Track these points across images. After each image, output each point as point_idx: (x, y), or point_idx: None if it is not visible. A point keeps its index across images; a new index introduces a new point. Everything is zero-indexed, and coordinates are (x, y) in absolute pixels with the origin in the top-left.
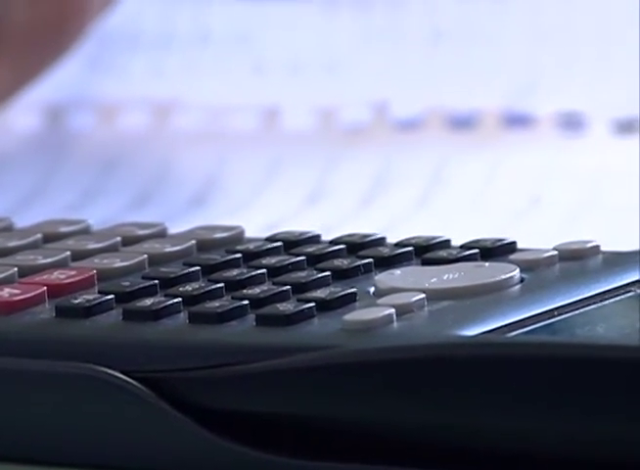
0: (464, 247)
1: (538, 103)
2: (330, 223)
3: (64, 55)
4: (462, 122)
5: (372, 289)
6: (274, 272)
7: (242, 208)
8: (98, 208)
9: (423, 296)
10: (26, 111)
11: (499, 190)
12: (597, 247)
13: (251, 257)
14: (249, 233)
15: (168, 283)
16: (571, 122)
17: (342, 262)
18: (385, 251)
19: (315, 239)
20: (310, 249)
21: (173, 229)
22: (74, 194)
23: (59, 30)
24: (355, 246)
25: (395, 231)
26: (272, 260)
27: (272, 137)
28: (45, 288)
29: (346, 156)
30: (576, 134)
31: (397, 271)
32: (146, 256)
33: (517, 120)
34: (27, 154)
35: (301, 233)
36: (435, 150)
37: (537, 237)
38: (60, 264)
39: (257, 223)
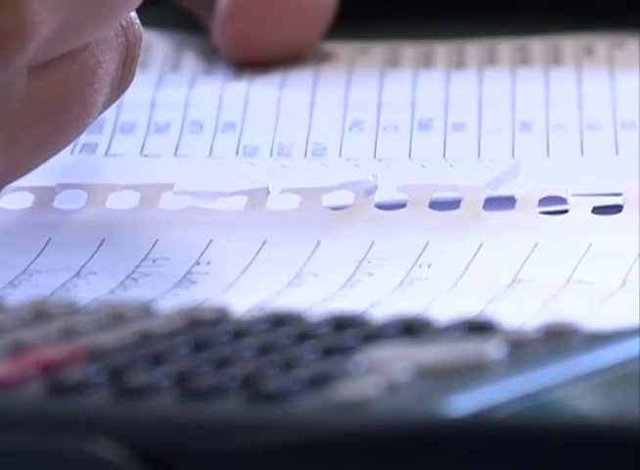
0: (449, 323)
1: (520, 185)
2: (315, 303)
3: (62, 144)
4: (444, 204)
5: (360, 364)
6: (263, 349)
7: (228, 287)
8: (87, 286)
9: (410, 371)
10: (17, 190)
11: (482, 270)
12: (580, 325)
13: (239, 334)
14: (235, 312)
15: (158, 360)
16: (553, 203)
17: (330, 338)
18: (372, 326)
19: (302, 316)
20: (298, 325)
21: (162, 307)
22: (64, 272)
23: (59, 117)
24: (343, 322)
25: (380, 310)
26: (261, 337)
27: (258, 219)
28: (36, 365)
29: (331, 237)
30: (558, 214)
31: (385, 347)
32: (135, 333)
33: (498, 202)
34: (17, 233)
35: (289, 310)
36: (418, 231)
37: (521, 316)
38: (50, 342)
39: (244, 303)
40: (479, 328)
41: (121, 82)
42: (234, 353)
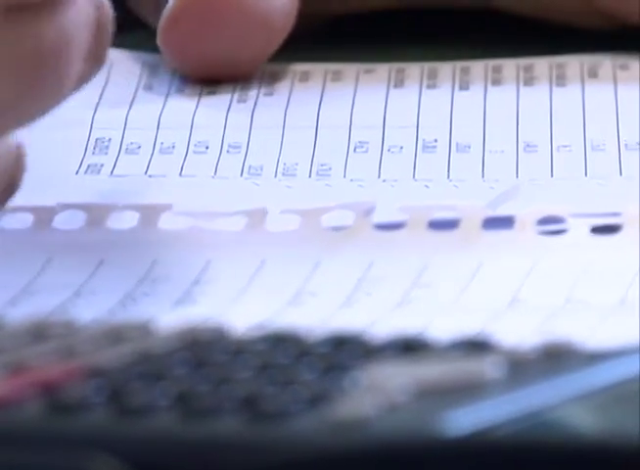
0: (449, 342)
1: (521, 205)
2: (314, 322)
3: (37, 106)
4: (444, 224)
5: (359, 383)
6: (262, 368)
7: (228, 307)
8: (87, 305)
9: (409, 390)
10: (16, 210)
11: (481, 289)
12: (579, 344)
13: (239, 353)
14: (235, 331)
15: (158, 379)
16: (551, 223)
17: (330, 357)
18: (371, 345)
19: (302, 335)
20: (297, 344)
21: (161, 327)
22: (63, 292)
23: (33, 70)
24: (342, 341)
25: (379, 329)
26: (260, 356)
27: (258, 239)
28: (35, 384)
29: (330, 256)
30: (556, 234)
31: (384, 366)
32: (135, 352)
33: (497, 222)
34: (17, 253)
35: (288, 330)
36: (417, 251)
37: (520, 335)
38: (50, 361)
39: (243, 322)
40: (478, 347)
41: (93, 61)
42: (233, 373)
